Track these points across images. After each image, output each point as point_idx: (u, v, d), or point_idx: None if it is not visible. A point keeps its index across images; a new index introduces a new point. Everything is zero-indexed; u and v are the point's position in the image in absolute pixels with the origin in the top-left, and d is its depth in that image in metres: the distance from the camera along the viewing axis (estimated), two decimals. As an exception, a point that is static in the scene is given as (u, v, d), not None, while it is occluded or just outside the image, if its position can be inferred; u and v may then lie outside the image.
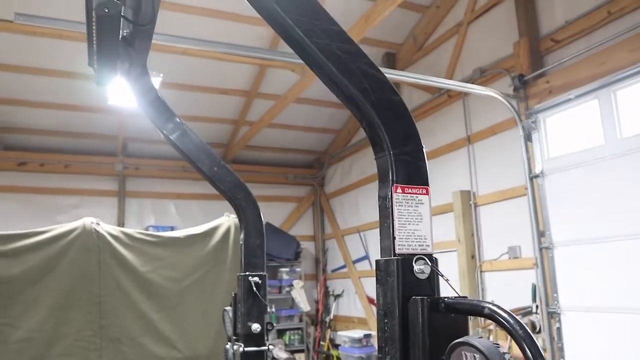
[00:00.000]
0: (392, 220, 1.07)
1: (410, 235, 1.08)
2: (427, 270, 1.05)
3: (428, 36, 7.22)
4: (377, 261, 1.10)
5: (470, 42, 6.45)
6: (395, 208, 1.07)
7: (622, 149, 4.38)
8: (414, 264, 1.05)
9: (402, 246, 1.06)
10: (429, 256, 1.07)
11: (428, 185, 1.11)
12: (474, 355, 0.85)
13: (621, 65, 4.43)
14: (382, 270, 1.08)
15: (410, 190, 1.09)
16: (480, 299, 5.67)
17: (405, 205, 1.08)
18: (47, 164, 8.19)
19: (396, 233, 1.07)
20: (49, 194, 8.16)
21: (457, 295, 1.02)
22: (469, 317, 1.04)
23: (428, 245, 1.09)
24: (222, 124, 8.79)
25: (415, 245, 1.08)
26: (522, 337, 0.82)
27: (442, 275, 1.07)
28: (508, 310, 0.86)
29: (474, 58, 6.31)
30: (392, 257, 1.06)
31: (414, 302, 1.00)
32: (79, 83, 6.81)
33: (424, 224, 1.10)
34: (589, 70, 4.73)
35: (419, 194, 1.10)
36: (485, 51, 6.14)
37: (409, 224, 1.08)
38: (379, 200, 1.12)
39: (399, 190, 1.08)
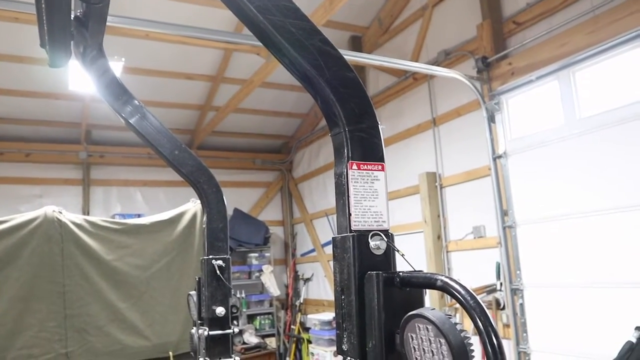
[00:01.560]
0: (348, 196, 1.07)
1: (366, 212, 1.08)
2: (383, 246, 1.06)
3: (394, 19, 7.22)
4: (333, 238, 1.10)
5: (435, 24, 6.48)
6: (350, 185, 1.07)
7: (580, 128, 4.49)
8: (369, 240, 1.05)
9: (358, 222, 1.07)
10: (385, 232, 1.08)
11: (384, 162, 1.12)
12: (427, 327, 0.86)
13: (580, 46, 4.52)
14: (338, 247, 1.08)
15: (365, 167, 1.09)
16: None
17: (360, 182, 1.09)
18: (7, 152, 7.95)
19: (352, 209, 1.07)
20: (10, 184, 7.93)
21: (412, 270, 1.03)
22: (426, 291, 1.05)
23: (384, 222, 1.10)
24: (188, 110, 8.66)
25: (372, 221, 1.08)
26: (473, 307, 0.83)
27: (398, 251, 1.08)
28: (460, 282, 0.88)
29: (439, 41, 6.35)
30: (348, 234, 1.06)
31: (370, 278, 1.01)
32: (39, 69, 6.60)
33: (380, 200, 1.10)
34: (549, 51, 4.81)
35: (375, 170, 1.10)
36: (450, 34, 6.18)
37: (365, 200, 1.08)
38: (335, 178, 1.12)
39: (355, 166, 1.08)
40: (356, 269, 1.03)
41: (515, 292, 4.99)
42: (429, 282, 0.93)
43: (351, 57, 5.09)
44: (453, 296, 0.87)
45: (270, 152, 10.16)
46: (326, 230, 8.67)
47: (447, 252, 5.96)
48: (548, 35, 4.89)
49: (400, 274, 1.00)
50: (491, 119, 5.32)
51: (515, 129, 5.19)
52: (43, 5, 1.49)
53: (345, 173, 1.08)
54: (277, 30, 1.09)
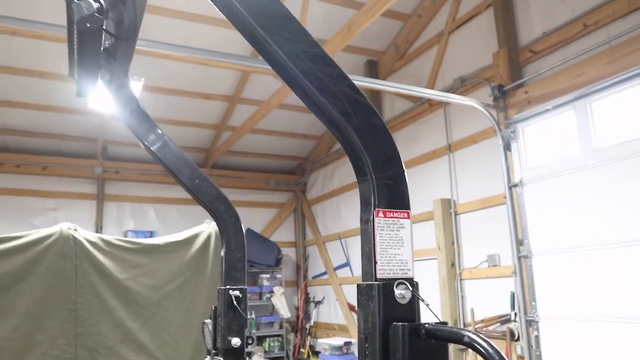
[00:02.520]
0: (374, 244, 1.08)
1: (392, 260, 1.08)
2: (408, 295, 1.06)
3: (410, 45, 7.27)
4: (358, 285, 1.10)
5: (451, 51, 6.52)
6: (377, 232, 1.08)
7: (597, 159, 4.46)
8: (395, 288, 1.05)
9: (384, 271, 1.07)
10: (410, 280, 1.08)
11: (409, 210, 1.12)
12: (454, 384, 0.86)
13: (597, 77, 4.52)
14: (363, 295, 1.08)
15: (392, 215, 1.10)
16: (460, 306, 5.71)
17: (386, 230, 1.09)
18: (24, 165, 8.06)
19: (377, 257, 1.07)
20: (26, 196, 8.02)
21: (437, 320, 1.02)
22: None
23: (409, 270, 1.10)
24: (204, 129, 8.74)
25: (397, 269, 1.08)
26: (501, 367, 0.82)
27: (423, 300, 1.07)
28: (487, 339, 0.87)
29: (455, 67, 6.38)
30: (374, 282, 1.06)
31: (395, 329, 1.00)
32: (59, 84, 6.72)
33: (405, 248, 1.10)
34: (566, 81, 4.81)
35: (401, 218, 1.11)
36: (466, 61, 6.21)
37: (391, 248, 1.09)
38: (360, 224, 1.12)
39: (381, 214, 1.09)
40: (381, 318, 1.03)
41: (530, 323, 4.92)
42: (456, 337, 0.93)
43: (368, 83, 5.13)
44: (480, 354, 0.86)
45: (284, 173, 10.19)
46: (339, 253, 8.64)
47: (461, 279, 5.90)
48: (564, 64, 4.89)
49: (426, 325, 0.99)
50: (507, 147, 5.31)
51: (531, 157, 5.16)
52: (75, 40, 1.52)
53: (371, 220, 1.08)
54: (306, 77, 1.11)
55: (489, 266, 5.56)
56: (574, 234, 4.59)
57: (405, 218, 1.11)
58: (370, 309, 1.05)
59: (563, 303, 4.66)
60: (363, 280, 1.10)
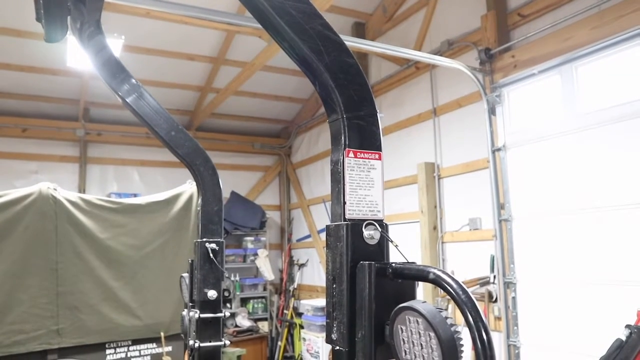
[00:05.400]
0: (343, 185, 1.06)
1: (361, 201, 1.06)
2: (377, 235, 1.04)
3: (398, 7, 7.15)
4: (327, 226, 1.09)
5: (439, 14, 6.42)
6: (346, 172, 1.06)
7: (580, 124, 4.46)
8: (363, 229, 1.04)
9: (353, 211, 1.05)
10: (380, 222, 1.07)
11: (381, 151, 1.10)
12: (417, 320, 0.85)
13: (585, 41, 4.48)
14: (331, 235, 1.06)
15: (362, 155, 1.08)
16: (441, 268, 5.77)
17: (357, 170, 1.07)
18: (4, 127, 7.90)
19: (347, 198, 1.05)
20: (6, 159, 7.89)
21: (405, 261, 1.01)
22: (418, 283, 1.04)
23: (379, 211, 1.08)
24: (188, 91, 8.60)
25: (366, 210, 1.07)
26: (464, 301, 0.82)
27: (392, 241, 1.06)
28: (452, 276, 0.86)
29: (442, 30, 6.30)
30: (342, 222, 1.04)
31: (362, 267, 0.99)
32: (37, 43, 6.54)
33: (376, 189, 1.08)
34: (553, 45, 4.77)
35: (372, 159, 1.09)
36: (454, 24, 6.13)
37: (360, 189, 1.07)
38: (331, 165, 1.10)
39: (351, 154, 1.06)
40: (349, 258, 1.02)
41: (508, 285, 5.00)
42: (422, 275, 0.92)
43: (354, 43, 5.05)
44: (445, 290, 0.85)
45: (269, 136, 10.12)
46: (323, 216, 8.67)
47: (443, 242, 5.96)
48: (552, 28, 4.84)
49: (393, 264, 0.98)
50: (492, 111, 5.30)
51: (515, 122, 5.16)
52: (39, -22, 1.46)
53: (341, 161, 1.06)
54: (276, 12, 1.07)
55: (470, 229, 5.61)
56: (555, 198, 4.63)
57: (377, 159, 1.09)
58: (339, 249, 1.04)
59: (541, 266, 4.73)
60: (332, 222, 1.08)
